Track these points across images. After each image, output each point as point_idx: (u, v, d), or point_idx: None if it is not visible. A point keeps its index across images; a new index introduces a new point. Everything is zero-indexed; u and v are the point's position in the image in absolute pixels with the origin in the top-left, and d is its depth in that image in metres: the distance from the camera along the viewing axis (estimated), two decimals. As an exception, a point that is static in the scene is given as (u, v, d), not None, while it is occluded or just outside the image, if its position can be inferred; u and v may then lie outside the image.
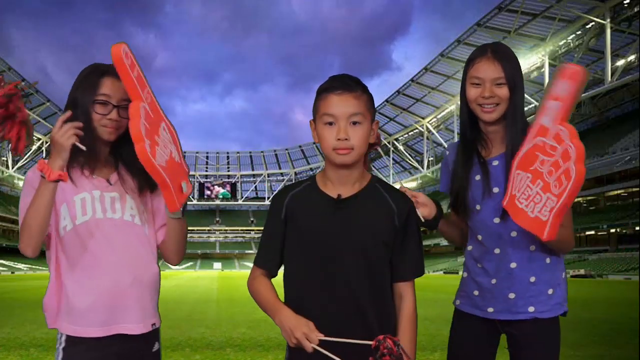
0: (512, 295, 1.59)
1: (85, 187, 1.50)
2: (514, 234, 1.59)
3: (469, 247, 1.70)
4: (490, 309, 1.61)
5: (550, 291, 1.59)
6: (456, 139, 1.91)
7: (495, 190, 1.60)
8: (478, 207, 1.63)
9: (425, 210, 1.60)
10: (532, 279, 1.59)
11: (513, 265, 1.59)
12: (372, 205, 1.43)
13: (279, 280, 1.46)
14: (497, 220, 1.60)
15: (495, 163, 1.63)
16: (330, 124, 1.37)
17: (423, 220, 1.60)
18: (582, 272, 38.25)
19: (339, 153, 1.37)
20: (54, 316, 1.51)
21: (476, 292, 1.65)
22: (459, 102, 1.72)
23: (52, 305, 1.51)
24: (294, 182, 1.57)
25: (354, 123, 1.37)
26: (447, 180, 1.75)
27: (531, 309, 1.58)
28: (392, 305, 1.46)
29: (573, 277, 36.30)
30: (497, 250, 1.61)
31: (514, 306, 1.58)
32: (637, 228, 40.52)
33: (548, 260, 1.60)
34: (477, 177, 1.64)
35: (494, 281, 1.61)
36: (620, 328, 7.85)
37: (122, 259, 1.48)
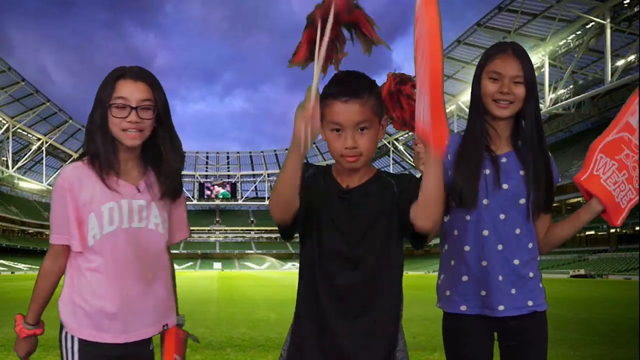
0: (513, 291, 1.61)
1: (114, 196, 1.50)
2: (517, 231, 1.61)
3: (466, 248, 1.65)
4: (501, 307, 1.60)
5: (540, 285, 1.67)
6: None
7: (505, 186, 1.61)
8: (486, 201, 1.61)
9: None
10: (531, 275, 1.63)
11: (516, 262, 1.61)
12: (377, 193, 1.43)
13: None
14: (502, 216, 1.61)
15: (504, 160, 1.64)
16: (337, 130, 1.36)
17: None
18: (582, 272, 38.24)
19: (348, 160, 1.37)
20: (70, 321, 1.53)
21: (484, 293, 1.62)
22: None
23: (67, 310, 1.54)
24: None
25: (362, 129, 1.35)
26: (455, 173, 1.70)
27: (530, 302, 1.62)
28: (395, 293, 1.43)
29: (573, 277, 36.29)
30: (500, 247, 1.61)
31: (515, 301, 1.60)
32: (637, 228, 40.53)
33: (538, 258, 1.67)
34: (487, 172, 1.63)
35: (500, 278, 1.60)
36: (620, 328, 7.85)
37: (144, 267, 1.52)
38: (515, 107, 1.60)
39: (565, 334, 6.81)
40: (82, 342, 1.50)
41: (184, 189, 1.65)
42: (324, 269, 1.42)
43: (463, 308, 1.65)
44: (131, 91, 1.48)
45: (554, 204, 1.72)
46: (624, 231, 43.98)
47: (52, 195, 1.53)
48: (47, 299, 1.57)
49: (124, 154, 1.54)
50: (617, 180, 1.56)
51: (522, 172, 1.62)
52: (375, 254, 1.41)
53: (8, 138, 59.35)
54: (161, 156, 1.56)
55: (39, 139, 63.67)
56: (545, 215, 1.68)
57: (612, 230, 44.20)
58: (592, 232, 46.07)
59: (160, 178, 1.56)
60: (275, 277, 35.30)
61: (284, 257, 77.65)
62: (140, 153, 1.57)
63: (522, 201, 1.61)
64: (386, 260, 1.42)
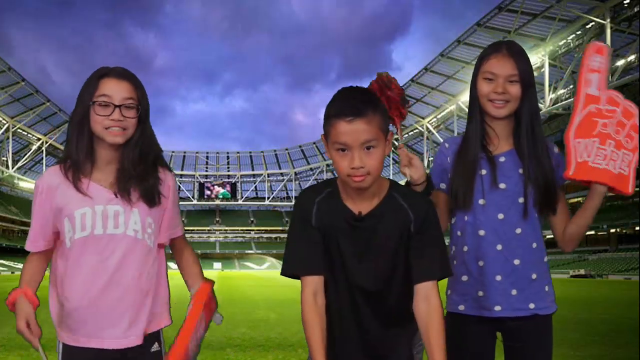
0: (514, 292, 1.59)
1: (88, 201, 1.47)
2: (518, 230, 1.59)
3: (465, 248, 1.66)
4: (498, 308, 1.60)
5: (547, 288, 1.63)
6: (456, 139, 1.90)
7: (502, 186, 1.61)
8: (482, 201, 1.62)
9: (415, 172, 1.58)
10: (534, 276, 1.61)
11: (517, 262, 1.59)
12: (390, 220, 1.41)
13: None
14: (501, 216, 1.60)
15: (502, 159, 1.63)
16: (343, 150, 1.33)
17: (412, 183, 1.60)
18: (582, 272, 38.28)
19: (355, 180, 1.34)
20: (55, 322, 1.54)
21: (481, 293, 1.62)
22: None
23: (53, 311, 1.54)
24: (315, 184, 1.54)
25: (368, 148, 1.32)
26: (442, 173, 1.72)
27: (531, 305, 1.60)
28: (407, 322, 1.45)
29: (573, 277, 36.33)
30: (499, 247, 1.60)
31: (515, 302, 1.59)
32: (637, 228, 40.57)
33: (545, 259, 1.65)
34: (483, 172, 1.63)
35: (498, 278, 1.60)
36: (620, 328, 7.86)
37: (117, 274, 1.47)
38: (511, 106, 1.60)
39: (565, 334, 6.81)
40: (64, 346, 1.52)
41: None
42: (344, 306, 1.44)
43: (461, 308, 1.66)
44: (115, 89, 1.46)
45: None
46: (624, 231, 43.98)
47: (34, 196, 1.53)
48: (33, 277, 1.57)
49: (106, 153, 1.51)
50: (606, 153, 1.51)
51: (520, 171, 1.61)
52: (396, 288, 1.43)
53: (8, 138, 59.31)
54: (137, 158, 1.52)
55: (39, 139, 63.64)
56: (557, 214, 1.64)
57: (612, 230, 44.21)
58: (592, 232, 46.04)
59: (134, 181, 1.51)
60: (275, 277, 35.25)
61: (284, 257, 77.27)
62: (122, 155, 1.53)
63: (521, 200, 1.60)
64: (394, 286, 1.44)
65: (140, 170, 1.52)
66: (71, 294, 1.48)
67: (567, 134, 1.55)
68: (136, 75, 1.54)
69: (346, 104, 1.32)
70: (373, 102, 1.34)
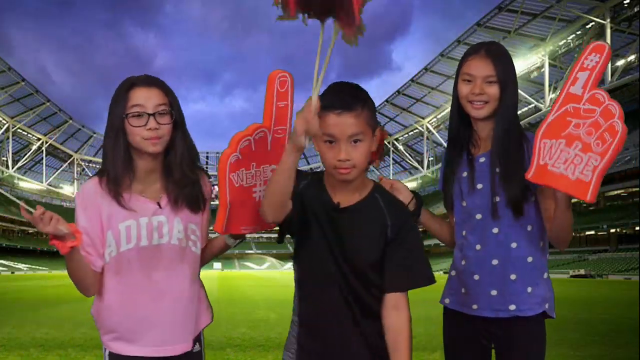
0: (494, 292, 1.59)
1: (133, 215, 1.46)
2: (495, 230, 1.59)
3: (456, 248, 1.70)
4: (475, 306, 1.61)
5: (529, 289, 1.59)
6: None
7: (479, 186, 1.62)
8: (464, 203, 1.64)
9: (399, 195, 1.59)
10: (513, 277, 1.58)
11: (495, 262, 1.59)
12: (367, 218, 1.42)
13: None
14: (479, 216, 1.61)
15: (482, 160, 1.64)
16: (330, 142, 1.35)
17: None
18: (582, 272, 38.25)
19: (341, 172, 1.37)
20: (101, 330, 1.54)
21: (463, 290, 1.65)
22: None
23: (98, 320, 1.54)
24: (303, 171, 1.52)
25: (355, 141, 1.35)
26: (442, 177, 1.76)
27: (512, 307, 1.58)
28: (378, 320, 1.43)
29: (573, 277, 36.31)
30: (478, 247, 1.61)
31: (495, 303, 1.59)
32: (637, 228, 40.54)
33: (530, 259, 1.59)
34: (465, 174, 1.65)
35: (476, 277, 1.61)
36: (620, 328, 7.86)
37: (164, 283, 1.48)
38: (491, 107, 1.60)
39: (565, 334, 6.81)
40: (111, 354, 1.51)
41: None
42: (313, 285, 1.46)
43: (447, 301, 1.71)
44: (146, 97, 1.43)
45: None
46: (624, 231, 43.97)
47: (76, 210, 1.49)
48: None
49: (145, 164, 1.48)
50: (568, 157, 1.42)
51: (498, 170, 1.60)
52: (359, 277, 1.42)
53: (8, 138, 59.39)
54: (179, 164, 1.51)
55: (39, 139, 63.67)
56: (544, 215, 1.58)
57: (612, 230, 44.19)
58: (592, 232, 46.03)
59: (177, 188, 1.50)
60: (275, 277, 35.29)
61: (284, 257, 77.65)
62: (162, 163, 1.51)
63: (497, 199, 1.59)
64: (368, 281, 1.43)
65: (186, 177, 1.51)
66: (119, 308, 1.48)
67: (537, 132, 1.50)
68: (162, 80, 1.51)
69: (336, 98, 1.34)
70: (362, 98, 1.37)
